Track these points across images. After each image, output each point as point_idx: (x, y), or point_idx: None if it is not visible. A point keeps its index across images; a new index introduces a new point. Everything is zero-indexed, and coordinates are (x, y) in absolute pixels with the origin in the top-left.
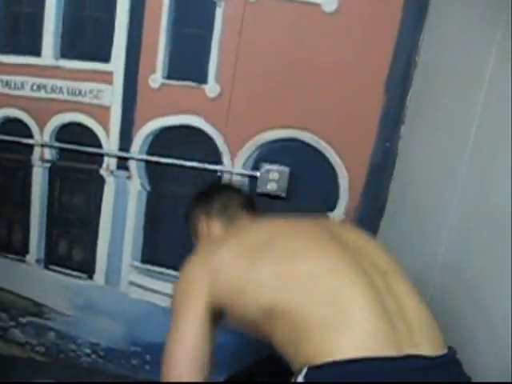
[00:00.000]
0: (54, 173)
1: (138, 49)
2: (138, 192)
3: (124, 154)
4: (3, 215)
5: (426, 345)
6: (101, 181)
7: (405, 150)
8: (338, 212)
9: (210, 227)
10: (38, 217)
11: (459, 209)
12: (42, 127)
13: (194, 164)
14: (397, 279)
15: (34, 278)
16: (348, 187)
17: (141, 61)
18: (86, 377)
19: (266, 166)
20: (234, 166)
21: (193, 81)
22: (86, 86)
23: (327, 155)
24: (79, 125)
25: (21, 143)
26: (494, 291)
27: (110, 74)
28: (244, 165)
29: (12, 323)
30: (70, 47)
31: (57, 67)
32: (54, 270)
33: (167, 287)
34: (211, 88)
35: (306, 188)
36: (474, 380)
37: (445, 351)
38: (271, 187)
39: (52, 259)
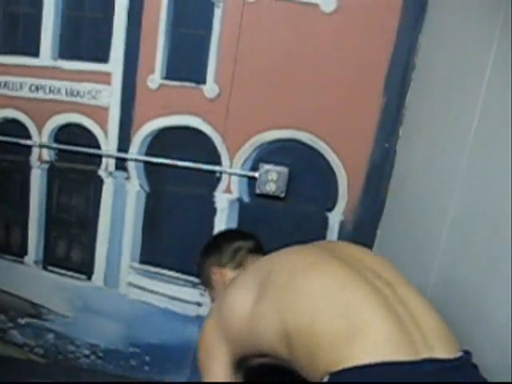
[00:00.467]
0: (53, 174)
1: (136, 49)
2: (137, 193)
3: (122, 155)
4: (1, 216)
5: (441, 347)
6: (99, 182)
7: (404, 151)
8: (337, 212)
9: (224, 276)
10: (37, 218)
11: (458, 209)
12: (40, 128)
13: (193, 165)
14: (402, 286)
15: (32, 279)
16: (347, 188)
17: (139, 61)
18: (85, 378)
19: (265, 167)
20: (232, 167)
21: (191, 81)
22: (84, 86)
23: (326, 156)
24: (77, 126)
25: (19, 144)
26: (494, 293)
27: (108, 74)
28: (243, 165)
29: (10, 324)
30: (69, 48)
31: (55, 68)
32: (53, 271)
33: (166, 288)
34: (210, 88)
35: (304, 188)
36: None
37: (460, 354)
38: (270, 188)
39: (50, 260)
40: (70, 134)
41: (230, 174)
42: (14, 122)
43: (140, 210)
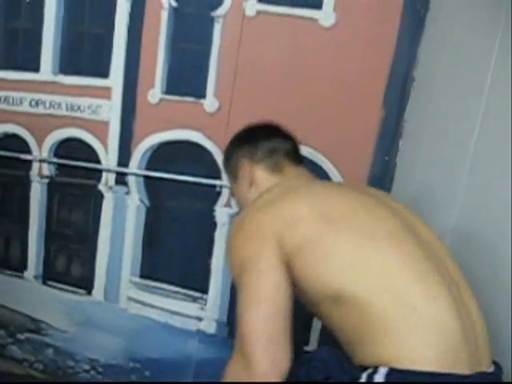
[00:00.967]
0: (53, 188)
1: (136, 64)
2: (137, 207)
3: (123, 170)
4: (1, 231)
5: (486, 358)
6: (99, 196)
7: (404, 164)
8: None
9: (254, 173)
10: (37, 233)
11: (459, 220)
12: (40, 143)
13: (193, 179)
14: (465, 289)
15: (32, 294)
16: None
17: (139, 76)
18: None
19: None
20: None
21: (191, 96)
22: (84, 101)
23: (325, 168)
24: (78, 140)
25: (19, 159)
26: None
27: (108, 89)
28: None
29: (10, 340)
30: (69, 63)
31: (55, 83)
32: (53, 286)
33: (166, 302)
34: (210, 103)
35: None
36: None
37: (493, 367)
38: None
39: (50, 275)
40: (70, 148)
41: (231, 188)
42: (15, 136)
43: (140, 224)
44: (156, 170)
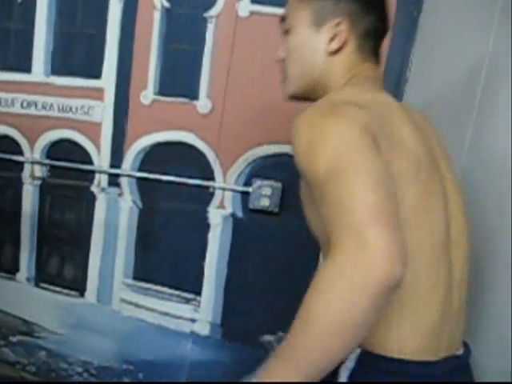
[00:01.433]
0: (45, 190)
1: (129, 65)
2: (130, 209)
3: (115, 171)
4: None
5: (459, 343)
6: (92, 198)
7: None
8: None
9: (346, 45)
10: (29, 234)
11: None
12: (32, 144)
13: (186, 180)
14: (463, 255)
15: (24, 297)
16: None
17: (132, 77)
18: None
19: (259, 182)
20: (226, 182)
21: (184, 97)
22: (76, 102)
23: None
24: (70, 141)
25: (11, 160)
26: None
27: (101, 90)
28: (236, 180)
29: (2, 342)
30: (61, 64)
31: (47, 84)
32: (45, 288)
33: (160, 304)
34: (203, 104)
35: (299, 203)
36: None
37: (462, 349)
38: (264, 203)
39: (43, 277)
40: (62, 149)
41: (224, 190)
42: (6, 138)
43: (133, 226)
44: (149, 171)
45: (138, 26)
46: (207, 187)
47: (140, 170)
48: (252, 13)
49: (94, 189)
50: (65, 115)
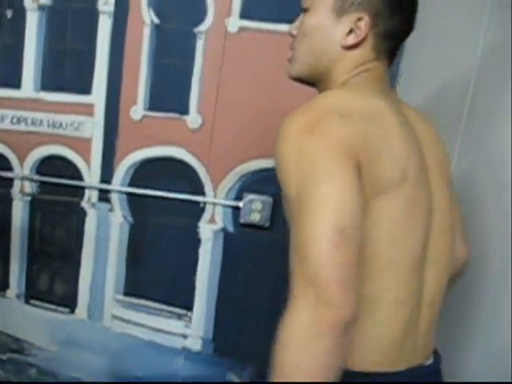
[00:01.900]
0: (35, 206)
1: (119, 81)
2: (121, 224)
3: (105, 187)
4: None
5: (428, 355)
6: (82, 213)
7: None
8: None
9: (363, 42)
10: (19, 251)
11: None
12: (22, 160)
13: (177, 195)
14: (445, 259)
15: (14, 314)
16: None
17: (122, 92)
18: None
19: (249, 196)
20: (216, 197)
21: (174, 112)
22: (66, 118)
23: None
24: (60, 157)
25: (0, 176)
26: None
27: (91, 106)
28: (227, 195)
29: None
30: (51, 80)
31: (37, 100)
32: (35, 305)
33: (151, 320)
34: (193, 119)
35: None
36: (473, 379)
37: (432, 358)
38: (254, 217)
39: (33, 294)
40: (52, 165)
41: (214, 204)
42: None
43: (124, 241)
44: (139, 186)
45: (128, 41)
46: (198, 202)
47: (130, 185)
48: (241, 28)
49: (84, 204)
50: (55, 131)
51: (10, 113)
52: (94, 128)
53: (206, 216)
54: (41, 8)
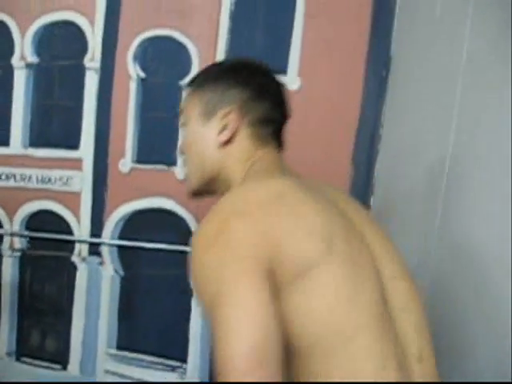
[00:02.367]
0: (25, 262)
1: (106, 134)
2: (112, 277)
3: (95, 240)
4: None
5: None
6: (73, 268)
7: (375, 220)
8: None
9: (237, 134)
10: (9, 307)
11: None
12: (11, 216)
13: (167, 246)
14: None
15: (4, 372)
16: None
17: (110, 146)
18: None
19: None
20: None
21: (162, 164)
22: (55, 173)
23: None
24: (49, 212)
25: None
26: None
27: (79, 160)
28: None
29: None
30: (39, 136)
31: (26, 156)
32: (26, 363)
33: (145, 373)
34: (181, 170)
35: None
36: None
37: None
38: None
39: (24, 351)
40: (41, 221)
41: None
42: None
43: (115, 294)
44: (129, 238)
45: (115, 96)
46: (188, 253)
47: (120, 237)
48: None
49: (74, 259)
50: (44, 186)
51: None
52: (82, 182)
53: None
54: (28, 66)
